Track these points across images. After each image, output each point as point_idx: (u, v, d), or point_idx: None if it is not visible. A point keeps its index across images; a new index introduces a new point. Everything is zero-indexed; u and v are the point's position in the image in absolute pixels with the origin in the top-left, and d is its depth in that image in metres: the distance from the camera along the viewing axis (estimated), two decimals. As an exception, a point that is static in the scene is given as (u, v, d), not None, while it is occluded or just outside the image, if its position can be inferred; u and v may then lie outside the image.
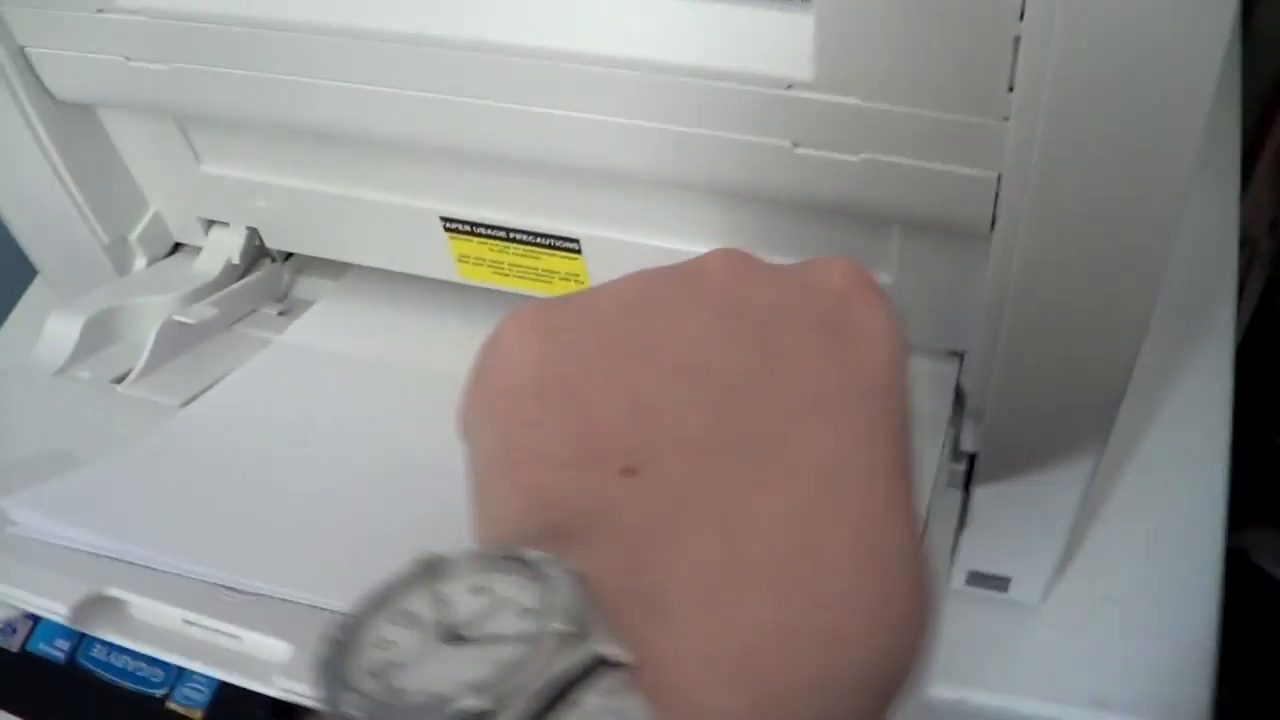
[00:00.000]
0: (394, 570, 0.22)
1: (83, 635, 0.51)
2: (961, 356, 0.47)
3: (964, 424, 0.47)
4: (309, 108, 0.44)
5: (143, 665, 0.51)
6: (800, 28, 0.36)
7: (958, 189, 0.38)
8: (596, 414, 0.24)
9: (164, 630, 0.38)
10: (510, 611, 0.21)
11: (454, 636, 0.21)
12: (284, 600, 0.38)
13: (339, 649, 0.21)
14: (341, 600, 0.37)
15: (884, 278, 0.44)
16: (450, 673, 0.19)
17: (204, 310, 0.51)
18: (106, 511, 0.41)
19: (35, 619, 0.52)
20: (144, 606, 0.38)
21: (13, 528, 0.41)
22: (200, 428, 0.46)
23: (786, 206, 0.43)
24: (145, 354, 0.49)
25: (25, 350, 0.50)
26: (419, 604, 0.21)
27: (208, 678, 0.50)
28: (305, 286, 0.57)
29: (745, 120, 0.39)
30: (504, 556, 0.22)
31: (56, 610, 0.37)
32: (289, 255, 0.58)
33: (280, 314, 0.55)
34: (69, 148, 0.50)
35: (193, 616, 0.37)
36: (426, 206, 0.48)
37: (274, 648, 0.36)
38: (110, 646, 0.51)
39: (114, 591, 0.38)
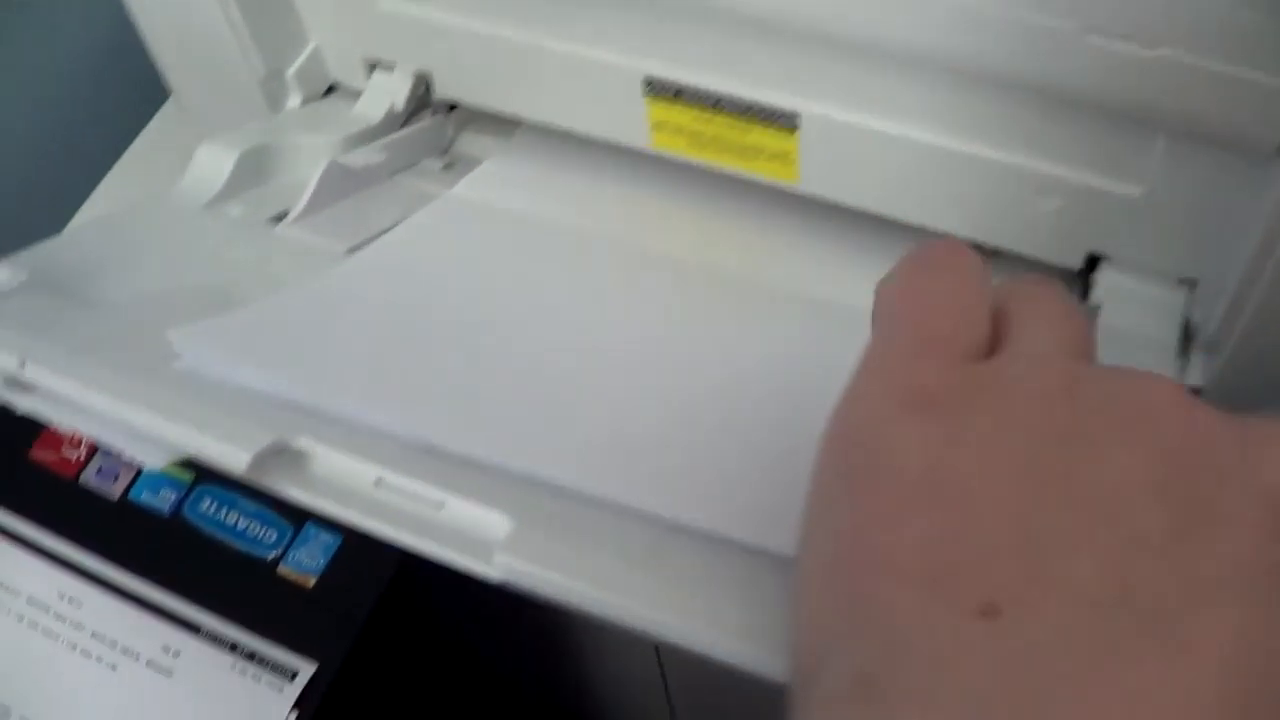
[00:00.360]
0: None
1: (190, 487, 0.48)
2: (1192, 285, 0.43)
3: (1191, 357, 0.43)
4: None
5: (255, 525, 0.47)
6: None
7: (1255, 102, 0.34)
8: (973, 534, 0.19)
9: (352, 491, 0.33)
10: None
11: None
12: (494, 468, 0.34)
13: None
14: (564, 473, 0.33)
15: (1134, 189, 0.40)
16: None
17: (370, 155, 0.47)
18: (283, 351, 0.37)
19: (140, 466, 0.48)
20: (332, 462, 0.33)
21: (178, 362, 0.36)
22: (375, 274, 0.42)
23: (1044, 97, 0.39)
24: (307, 195, 0.44)
25: (150, 179, 0.46)
26: None
27: (323, 542, 0.46)
28: (469, 142, 0.53)
29: None
30: None
31: (236, 459, 0.32)
32: (452, 107, 0.53)
33: (445, 168, 0.51)
34: (235, -35, 0.45)
35: (389, 476, 0.33)
36: (629, 64, 0.44)
37: (487, 520, 0.32)
38: (220, 502, 0.47)
39: (302, 442, 0.33)
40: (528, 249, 0.46)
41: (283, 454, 0.33)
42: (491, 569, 0.31)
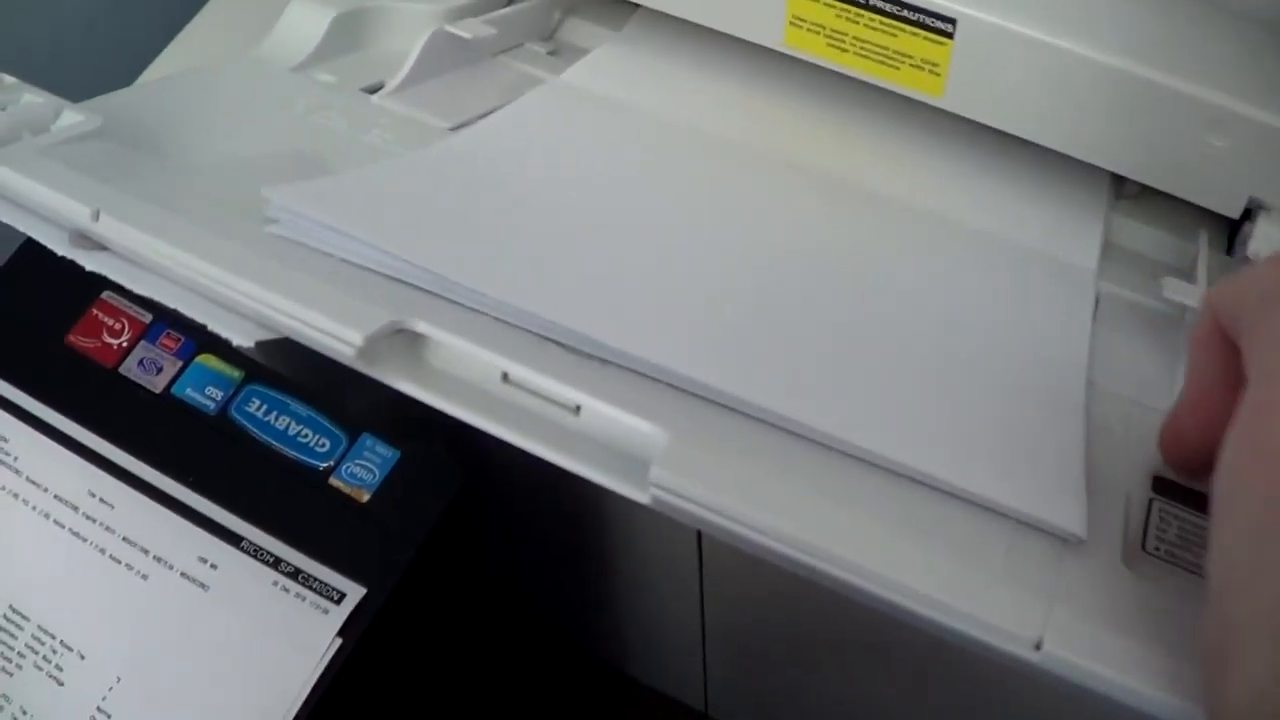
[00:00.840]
0: None
1: (241, 385, 0.44)
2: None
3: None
4: None
5: (307, 431, 0.43)
6: None
7: None
8: None
9: (475, 387, 0.29)
10: None
11: None
12: (636, 371, 0.29)
13: None
14: (733, 385, 0.29)
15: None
16: None
17: (479, 27, 0.42)
18: (393, 219, 0.32)
19: (189, 357, 0.44)
20: (453, 350, 0.29)
21: (273, 226, 0.32)
22: (486, 154, 0.37)
23: (1231, 18, 0.35)
24: (410, 63, 0.40)
25: (232, 36, 0.41)
26: None
27: (380, 454, 0.42)
28: (574, 29, 0.48)
29: None
30: None
31: (346, 339, 0.28)
32: (563, -12, 0.49)
33: (550, 54, 0.47)
34: None
35: (517, 370, 0.28)
36: (774, -54, 0.39)
37: (635, 430, 0.27)
38: (270, 404, 0.43)
39: (420, 326, 0.29)
40: (646, 144, 0.41)
41: (397, 337, 0.29)
42: (641, 491, 0.27)
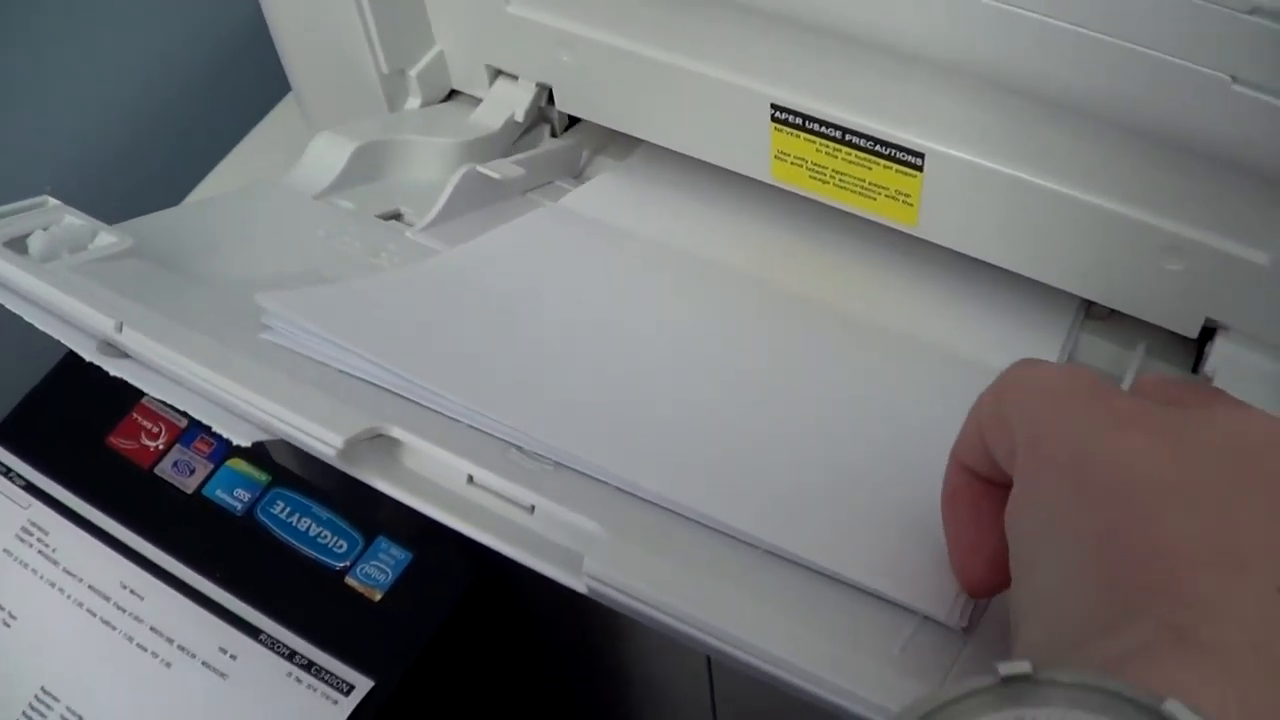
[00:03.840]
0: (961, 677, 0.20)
1: (267, 488, 0.47)
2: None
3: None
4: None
5: (327, 533, 0.46)
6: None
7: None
8: (1246, 532, 0.22)
9: (442, 488, 0.32)
10: None
11: None
12: (584, 474, 0.32)
13: None
14: (665, 487, 0.32)
15: (1262, 257, 0.39)
16: None
17: (508, 168, 0.46)
18: (374, 329, 0.36)
19: (219, 461, 0.47)
20: (425, 454, 0.32)
21: (266, 332, 0.35)
22: (473, 268, 0.41)
23: (1181, 151, 0.37)
24: (440, 203, 0.43)
25: (265, 167, 0.45)
26: None
27: (394, 556, 0.45)
28: (601, 167, 0.52)
29: (1184, 39, 0.34)
30: (1116, 695, 0.19)
31: (327, 441, 0.31)
32: (571, 124, 0.53)
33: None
34: (370, -37, 0.45)
35: (481, 474, 0.31)
36: (758, 89, 0.43)
37: (580, 526, 0.30)
38: (293, 506, 0.46)
39: (396, 432, 0.32)
40: (630, 265, 0.45)
41: (375, 440, 0.32)
42: (577, 580, 0.29)
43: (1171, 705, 0.18)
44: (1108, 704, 0.19)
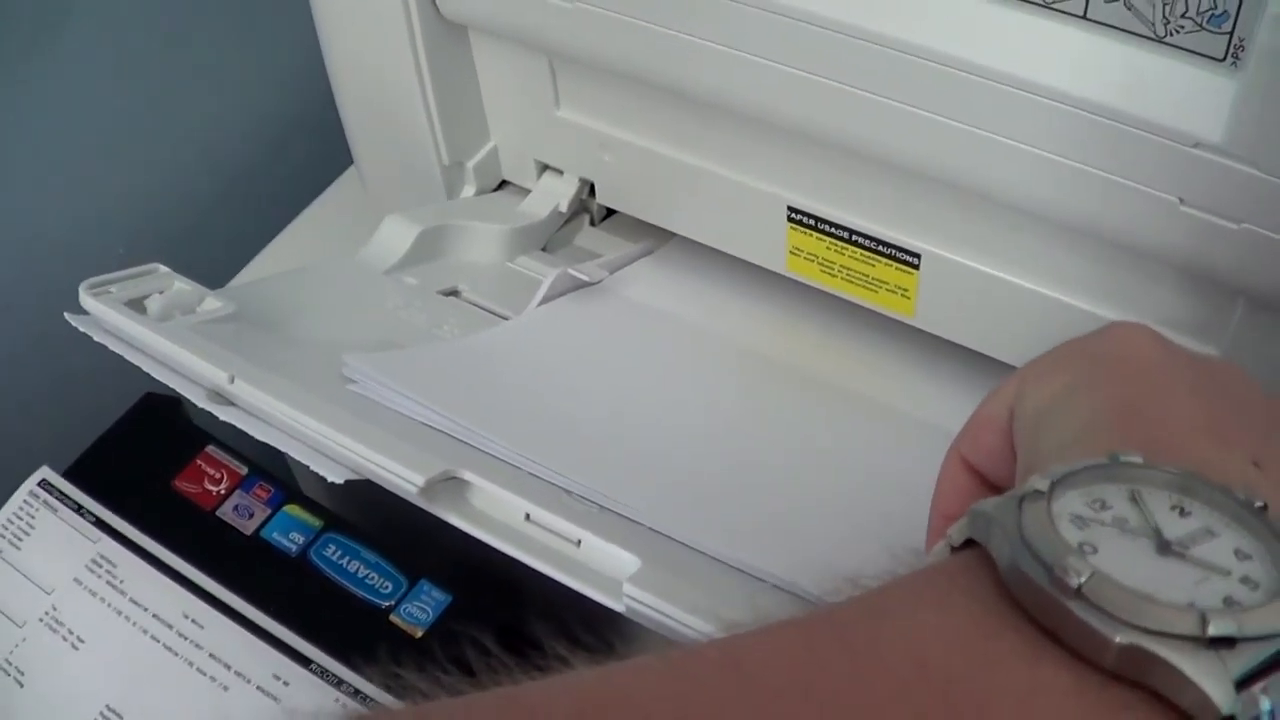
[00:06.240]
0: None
1: (320, 532, 0.51)
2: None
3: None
4: (698, 69, 0.45)
5: (374, 575, 0.50)
6: (1220, 91, 0.36)
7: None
8: (1231, 415, 0.27)
9: (503, 523, 0.37)
10: (1227, 548, 0.21)
11: (1164, 547, 0.21)
12: (627, 518, 0.38)
13: (1033, 505, 0.21)
14: (693, 534, 0.37)
15: (1212, 350, 0.44)
16: (1166, 581, 0.20)
17: (596, 270, 0.52)
18: (447, 387, 0.41)
19: (276, 506, 0.52)
20: (489, 494, 0.38)
21: (352, 385, 0.41)
22: (522, 340, 0.47)
23: (1142, 259, 0.43)
24: (539, 296, 0.49)
25: (325, 239, 0.51)
26: (1114, 496, 0.22)
27: (434, 598, 0.49)
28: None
29: (1140, 168, 0.39)
30: (1209, 486, 0.22)
31: (410, 481, 0.37)
32: (607, 214, 0.58)
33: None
34: (438, 66, 0.51)
35: (537, 512, 0.37)
36: (777, 193, 0.49)
37: (619, 558, 0.36)
38: (344, 549, 0.50)
39: (467, 475, 0.38)
40: (663, 341, 0.51)
41: (449, 481, 0.38)
42: (617, 601, 0.34)
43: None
44: (1210, 494, 0.22)
